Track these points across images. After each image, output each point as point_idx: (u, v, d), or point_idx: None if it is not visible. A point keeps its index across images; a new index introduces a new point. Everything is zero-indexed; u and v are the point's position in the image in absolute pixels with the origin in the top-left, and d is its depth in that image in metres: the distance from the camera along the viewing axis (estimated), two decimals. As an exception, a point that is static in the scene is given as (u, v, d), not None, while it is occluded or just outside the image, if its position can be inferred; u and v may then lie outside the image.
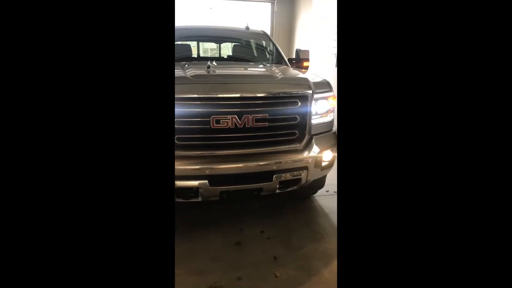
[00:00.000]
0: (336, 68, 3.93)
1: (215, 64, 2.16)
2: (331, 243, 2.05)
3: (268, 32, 6.12)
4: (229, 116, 1.74)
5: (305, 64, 3.10)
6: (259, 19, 6.42)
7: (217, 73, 1.96)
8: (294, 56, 3.19)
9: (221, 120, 1.73)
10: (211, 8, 6.34)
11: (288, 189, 1.99)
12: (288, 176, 1.92)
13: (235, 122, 1.74)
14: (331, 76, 3.95)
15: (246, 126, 1.78)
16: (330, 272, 1.77)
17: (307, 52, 3.17)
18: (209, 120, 1.72)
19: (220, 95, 1.76)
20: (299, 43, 5.76)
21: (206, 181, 1.74)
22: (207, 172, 1.73)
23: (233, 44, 3.54)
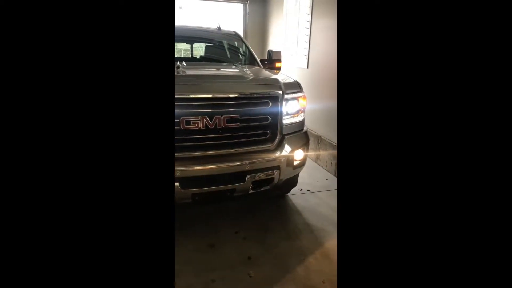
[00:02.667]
0: (308, 68, 4.03)
1: (185, 64, 2.13)
2: (305, 241, 2.09)
3: (241, 33, 6.12)
4: (200, 117, 1.72)
5: (277, 65, 3.14)
6: (231, 20, 6.40)
7: (187, 73, 1.94)
8: (266, 57, 3.22)
9: (192, 121, 1.71)
10: (181, 8, 6.22)
11: (261, 189, 2.01)
12: (261, 175, 1.93)
13: (206, 123, 1.73)
14: (303, 77, 4.02)
15: (218, 127, 1.77)
16: (304, 269, 1.80)
17: (279, 53, 3.21)
18: (179, 121, 1.69)
19: (190, 96, 1.73)
20: (272, 44, 5.82)
21: (177, 184, 1.71)
22: (178, 174, 1.70)
23: (206, 44, 3.51)
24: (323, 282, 1.71)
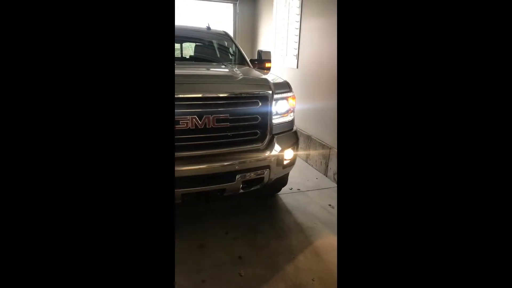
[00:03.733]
0: (297, 68, 4.05)
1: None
2: (294, 240, 2.10)
3: (231, 33, 6.11)
4: (189, 117, 1.71)
5: (267, 65, 3.15)
6: (221, 20, 6.38)
7: (177, 73, 1.92)
8: (256, 57, 3.23)
9: (181, 121, 1.70)
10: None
11: (252, 189, 2.01)
12: (251, 175, 1.93)
13: (195, 123, 1.72)
14: (293, 77, 4.05)
15: (207, 126, 1.76)
16: (293, 268, 1.82)
17: (268, 53, 3.22)
18: (168, 121, 1.67)
19: (179, 95, 1.72)
20: (262, 45, 5.83)
21: (167, 184, 1.69)
22: (167, 174, 1.69)
23: (195, 44, 3.49)
24: (313, 280, 1.72)
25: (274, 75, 2.34)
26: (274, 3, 4.90)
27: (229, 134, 1.86)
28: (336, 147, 3.13)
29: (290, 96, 2.12)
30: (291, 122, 2.21)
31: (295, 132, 2.24)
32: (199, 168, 1.77)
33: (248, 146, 1.93)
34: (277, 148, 2.00)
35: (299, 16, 3.92)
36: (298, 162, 3.47)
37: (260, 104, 1.92)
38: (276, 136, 2.04)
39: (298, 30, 3.95)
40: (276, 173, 2.07)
